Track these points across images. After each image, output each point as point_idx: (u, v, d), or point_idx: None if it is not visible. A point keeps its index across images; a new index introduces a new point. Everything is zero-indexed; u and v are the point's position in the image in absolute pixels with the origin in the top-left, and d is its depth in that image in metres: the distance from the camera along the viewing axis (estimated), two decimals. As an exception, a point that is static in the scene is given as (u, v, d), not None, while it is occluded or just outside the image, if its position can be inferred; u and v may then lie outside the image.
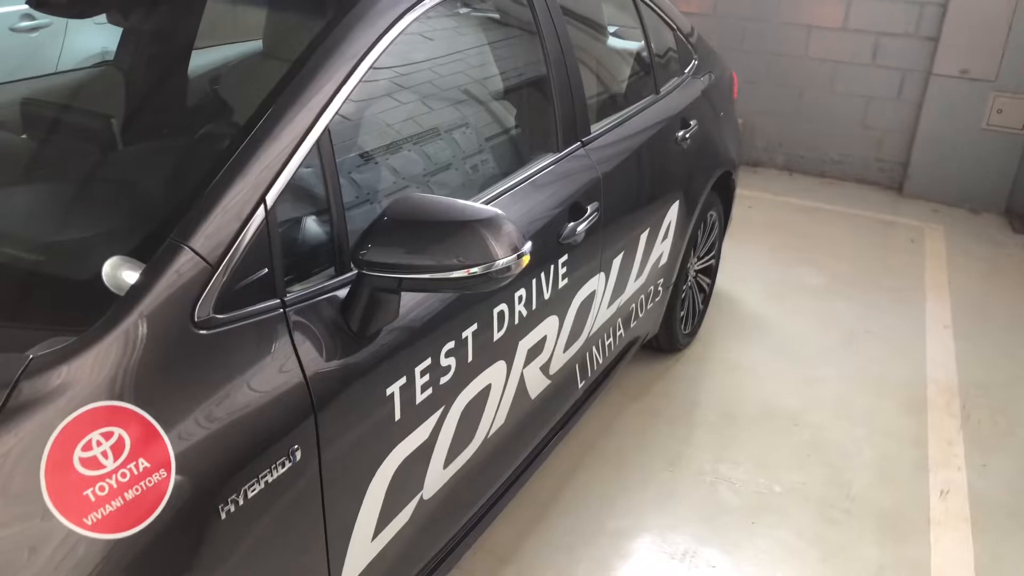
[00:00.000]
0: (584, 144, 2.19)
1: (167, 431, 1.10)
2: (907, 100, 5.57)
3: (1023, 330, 3.75)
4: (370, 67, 1.53)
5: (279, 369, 1.26)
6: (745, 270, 4.16)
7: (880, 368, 3.35)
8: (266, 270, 1.29)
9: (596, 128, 2.30)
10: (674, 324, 3.19)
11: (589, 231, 2.09)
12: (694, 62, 3.14)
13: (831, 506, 2.56)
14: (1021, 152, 5.29)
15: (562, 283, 2.01)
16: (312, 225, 1.44)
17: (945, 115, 5.38)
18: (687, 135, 2.79)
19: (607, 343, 2.51)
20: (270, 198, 1.30)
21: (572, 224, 2.01)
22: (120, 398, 1.07)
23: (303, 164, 1.37)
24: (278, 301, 1.30)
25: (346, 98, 1.47)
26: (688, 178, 2.86)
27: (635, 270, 2.52)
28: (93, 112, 1.80)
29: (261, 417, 1.21)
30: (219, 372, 1.19)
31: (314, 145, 1.39)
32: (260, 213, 1.28)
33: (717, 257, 3.56)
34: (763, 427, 2.94)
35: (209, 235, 1.22)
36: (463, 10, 2.03)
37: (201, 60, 2.08)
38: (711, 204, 3.21)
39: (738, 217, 4.15)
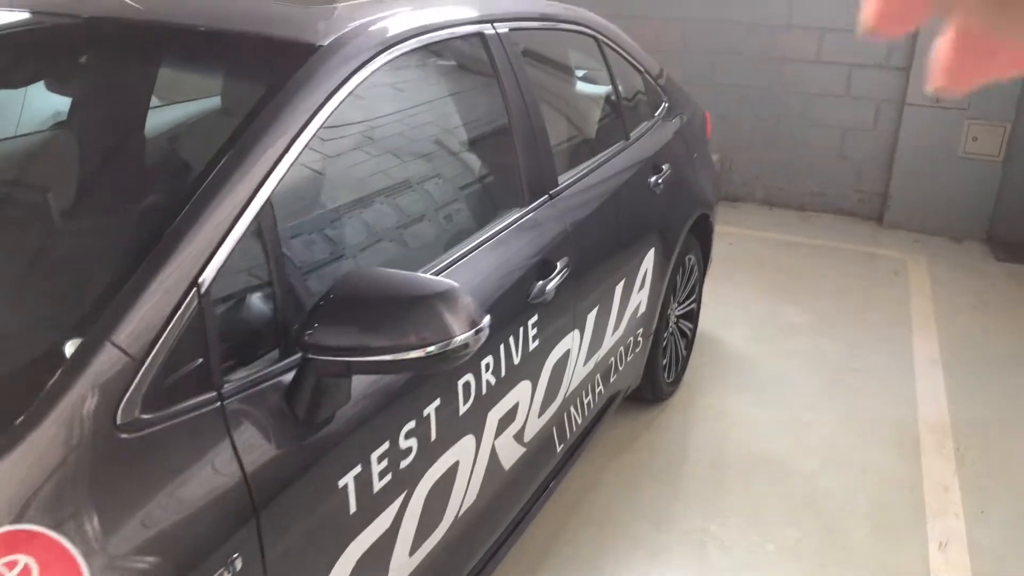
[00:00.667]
0: (552, 197, 2.11)
1: (85, 555, 0.98)
2: (883, 130, 5.56)
3: (1013, 363, 3.68)
4: (317, 131, 1.45)
5: (215, 470, 1.15)
6: (728, 311, 4.08)
7: (870, 408, 3.26)
8: (200, 360, 1.18)
9: (564, 179, 2.22)
10: (657, 373, 3.09)
11: (560, 287, 2.00)
12: (664, 104, 3.09)
13: (827, 564, 2.44)
14: (999, 179, 5.27)
15: (533, 345, 1.91)
16: (253, 305, 1.34)
17: (921, 144, 5.37)
18: (660, 180, 2.72)
19: (586, 401, 2.41)
20: (204, 280, 1.20)
21: (541, 282, 1.91)
22: (28, 520, 0.96)
23: (242, 239, 1.27)
24: (214, 393, 1.19)
25: (291, 164, 1.38)
26: (663, 223, 2.78)
27: (612, 323, 2.43)
28: (26, 184, 1.70)
29: (194, 527, 1.10)
30: (146, 481, 1.07)
31: (254, 219, 1.30)
32: (192, 298, 1.18)
33: (698, 301, 3.48)
34: (753, 477, 2.82)
35: (134, 327, 1.11)
36: (417, 64, 1.95)
37: (153, 123, 2.00)
38: (689, 248, 3.13)
39: (719, 255, 4.08)
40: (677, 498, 2.72)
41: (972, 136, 5.28)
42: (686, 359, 3.46)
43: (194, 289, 1.18)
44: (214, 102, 1.76)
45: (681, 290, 3.22)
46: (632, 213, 2.56)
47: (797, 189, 5.90)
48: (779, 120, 5.77)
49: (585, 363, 2.29)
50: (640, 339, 2.79)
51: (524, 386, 1.92)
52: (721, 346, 3.78)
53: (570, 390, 2.23)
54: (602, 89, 2.82)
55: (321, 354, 1.24)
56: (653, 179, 2.69)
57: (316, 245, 1.60)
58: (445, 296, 1.27)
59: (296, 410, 1.28)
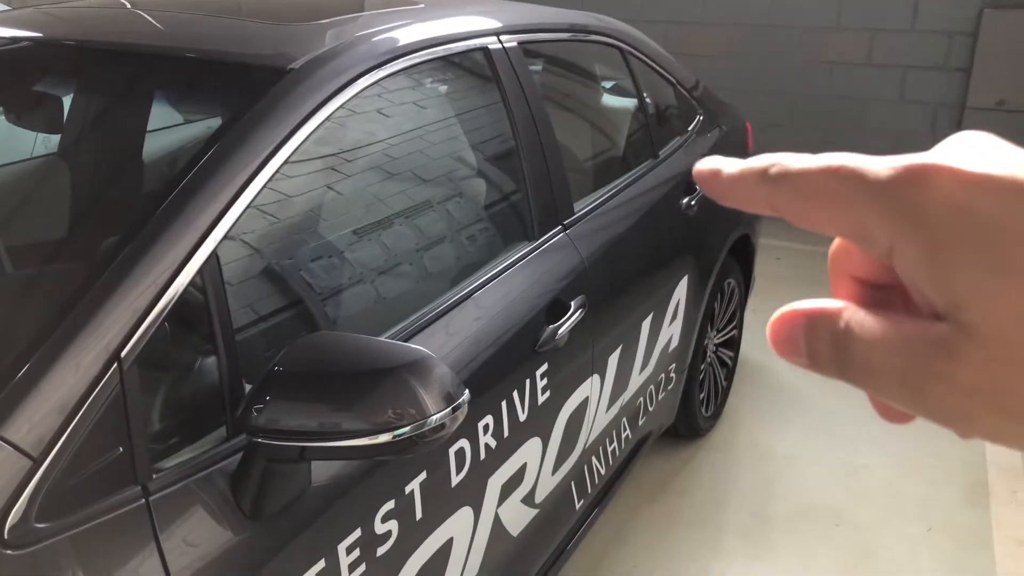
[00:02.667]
0: (566, 228, 1.89)
1: None
2: (942, 136, 5.15)
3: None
4: (280, 167, 1.26)
5: (133, 584, 0.96)
6: (774, 334, 3.79)
7: (931, 449, 2.96)
8: (120, 450, 0.99)
9: (581, 205, 1.99)
10: (693, 409, 2.84)
11: (576, 329, 1.77)
12: (699, 118, 2.84)
13: (886, 632, 2.17)
14: (1070, 186, 4.88)
15: (543, 397, 1.69)
16: (192, 377, 1.15)
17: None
18: (693, 201, 2.48)
19: (610, 449, 2.18)
20: (127, 352, 1.01)
21: (551, 327, 1.69)
22: None
23: (178, 300, 1.08)
24: (138, 488, 1.00)
25: (246, 207, 1.19)
26: (698, 248, 2.54)
27: (639, 362, 2.20)
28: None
29: (98, 661, 0.91)
30: (36, 607, 0.88)
31: (196, 274, 1.11)
32: (113, 375, 0.99)
33: (739, 327, 3.22)
34: (801, 529, 2.56)
35: (34, 416, 0.93)
36: (408, 86, 1.75)
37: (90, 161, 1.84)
38: (728, 271, 2.88)
39: (765, 272, 3.80)
40: (716, 552, 2.47)
41: (1040, 140, 4.91)
42: (726, 391, 3.20)
43: (114, 365, 1.00)
44: (171, 137, 1.59)
45: (720, 317, 2.96)
46: (661, 238, 2.33)
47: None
48: (830, 127, 5.46)
49: (608, 409, 2.07)
50: (673, 375, 2.55)
51: (533, 444, 1.71)
52: (765, 375, 3.51)
53: (590, 440, 2.01)
54: (628, 103, 2.59)
55: (269, 437, 1.05)
56: (686, 200, 2.45)
57: (277, 294, 1.41)
58: (417, 367, 1.06)
59: (241, 503, 1.08)
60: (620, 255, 2.04)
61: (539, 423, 1.71)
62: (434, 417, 1.04)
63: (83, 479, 0.95)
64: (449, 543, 1.47)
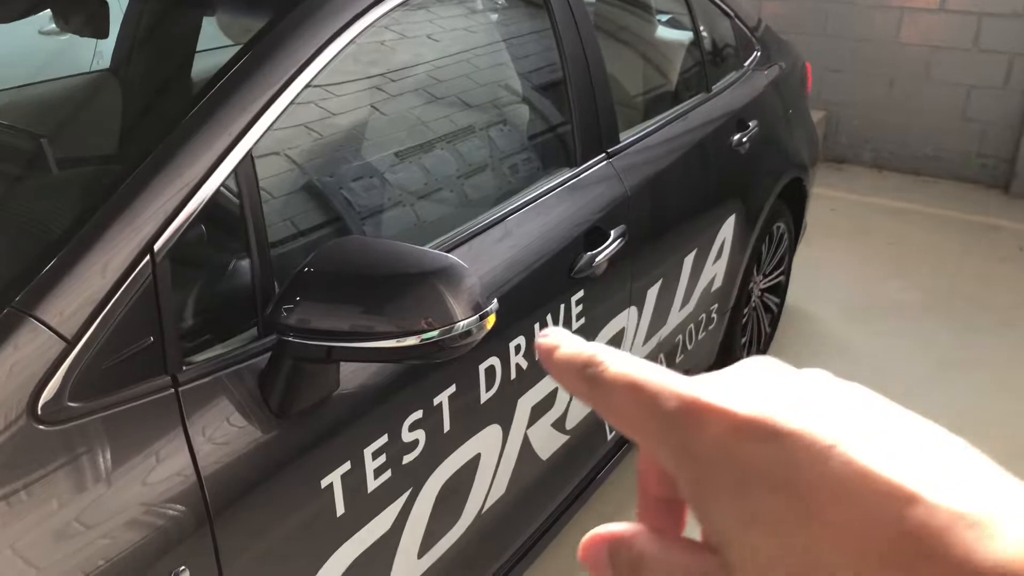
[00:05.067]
0: (610, 156, 1.85)
1: (-16, 569, 0.83)
2: (1015, 88, 4.96)
3: None
4: (321, 70, 1.25)
5: (161, 467, 0.99)
6: (823, 284, 3.71)
7: (988, 408, 2.87)
8: (151, 339, 1.01)
9: (627, 137, 1.95)
10: (734, 352, 2.80)
11: (615, 259, 1.75)
12: (756, 53, 2.75)
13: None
14: None
15: (577, 324, 1.68)
16: (225, 275, 1.16)
17: (1062, 102, 4.76)
18: (744, 138, 2.41)
19: (645, 384, 2.16)
20: (160, 244, 1.02)
21: (589, 254, 1.67)
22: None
23: (213, 198, 1.09)
24: (167, 379, 1.03)
25: (284, 109, 1.19)
26: (747, 188, 2.47)
27: (679, 299, 2.16)
28: (18, 130, 1.58)
29: (126, 536, 0.94)
30: (67, 482, 0.91)
31: (231, 173, 1.11)
32: (145, 267, 1.01)
33: (787, 273, 3.15)
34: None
35: (68, 300, 0.95)
36: (459, 9, 1.72)
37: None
38: (778, 215, 2.80)
39: (818, 221, 3.70)
40: (748, 493, 2.45)
41: (1123, 94, 4.65)
42: (770, 337, 3.15)
43: (147, 256, 1.01)
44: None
45: (767, 261, 2.90)
46: (709, 175, 2.27)
47: (911, 152, 5.36)
48: (895, 76, 5.24)
49: (645, 342, 2.05)
50: (715, 316, 2.51)
51: (566, 370, 1.70)
52: (811, 323, 3.44)
53: (625, 373, 1.99)
54: (683, 35, 2.51)
55: (297, 336, 1.06)
56: (736, 137, 2.38)
57: (316, 206, 1.41)
58: (446, 274, 1.06)
59: (269, 400, 1.10)
60: (665, 188, 2.00)
61: (572, 349, 1.70)
62: (461, 323, 1.04)
63: (115, 364, 0.98)
64: (476, 459, 1.48)
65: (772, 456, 0.24)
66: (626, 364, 0.28)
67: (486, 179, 1.74)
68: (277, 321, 1.07)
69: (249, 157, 1.14)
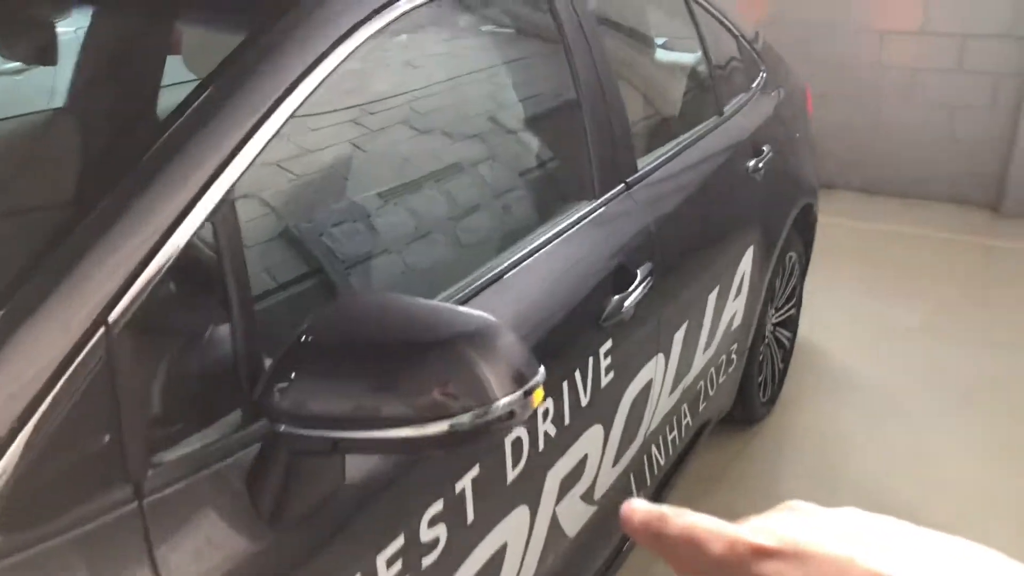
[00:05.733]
0: (629, 187, 1.66)
1: None
2: (1003, 107, 4.89)
3: None
4: (307, 96, 1.04)
5: (120, 610, 0.75)
6: (828, 313, 3.54)
7: (1012, 439, 2.70)
8: (106, 437, 0.78)
9: (644, 163, 1.76)
10: (751, 393, 2.60)
11: (641, 302, 1.54)
12: (762, 74, 2.59)
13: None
14: None
15: (607, 378, 1.47)
16: (201, 347, 0.94)
17: (1050, 119, 4.69)
18: (760, 164, 2.24)
19: (671, 438, 1.95)
20: (116, 315, 0.80)
21: (617, 298, 1.47)
22: None
23: (183, 253, 0.87)
24: (129, 488, 0.79)
25: (267, 143, 0.97)
26: (764, 217, 2.30)
27: (703, 341, 1.97)
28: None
29: None
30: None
31: (205, 222, 0.89)
32: (96, 344, 0.78)
33: (798, 306, 2.97)
34: (873, 526, 2.32)
35: (-7, 392, 0.72)
36: (456, 22, 1.52)
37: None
38: (790, 244, 2.63)
39: (814, 249, 3.56)
40: (779, 549, 2.24)
41: (1111, 110, 4.59)
42: (783, 373, 2.96)
43: (100, 330, 0.78)
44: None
45: (780, 294, 2.72)
46: (728, 205, 2.09)
47: (900, 175, 5.27)
48: (880, 99, 5.15)
49: (671, 392, 1.84)
50: (735, 356, 2.32)
51: (595, 432, 1.49)
52: (821, 356, 3.26)
53: (652, 428, 1.78)
54: (689, 56, 2.34)
55: (294, 424, 0.83)
56: (752, 163, 2.21)
57: (303, 255, 1.19)
58: (479, 337, 0.84)
59: (259, 505, 0.87)
60: (687, 220, 1.81)
61: (602, 408, 1.49)
62: (501, 402, 0.82)
63: (58, 478, 0.75)
64: (503, 549, 1.25)
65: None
66: (685, 518, 0.34)
67: (498, 215, 1.53)
68: (268, 405, 0.84)
69: (228, 200, 0.92)
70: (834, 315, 3.54)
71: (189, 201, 0.87)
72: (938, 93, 5.00)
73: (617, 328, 1.48)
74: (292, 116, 1.00)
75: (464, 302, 1.21)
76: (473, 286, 1.23)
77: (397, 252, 1.37)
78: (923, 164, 5.19)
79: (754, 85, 2.52)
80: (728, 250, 2.04)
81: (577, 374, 1.37)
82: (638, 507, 0.37)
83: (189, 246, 0.87)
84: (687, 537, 0.34)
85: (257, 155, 0.95)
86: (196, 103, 0.94)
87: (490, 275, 1.26)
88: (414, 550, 1.03)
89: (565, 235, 1.45)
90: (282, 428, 0.84)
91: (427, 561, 1.06)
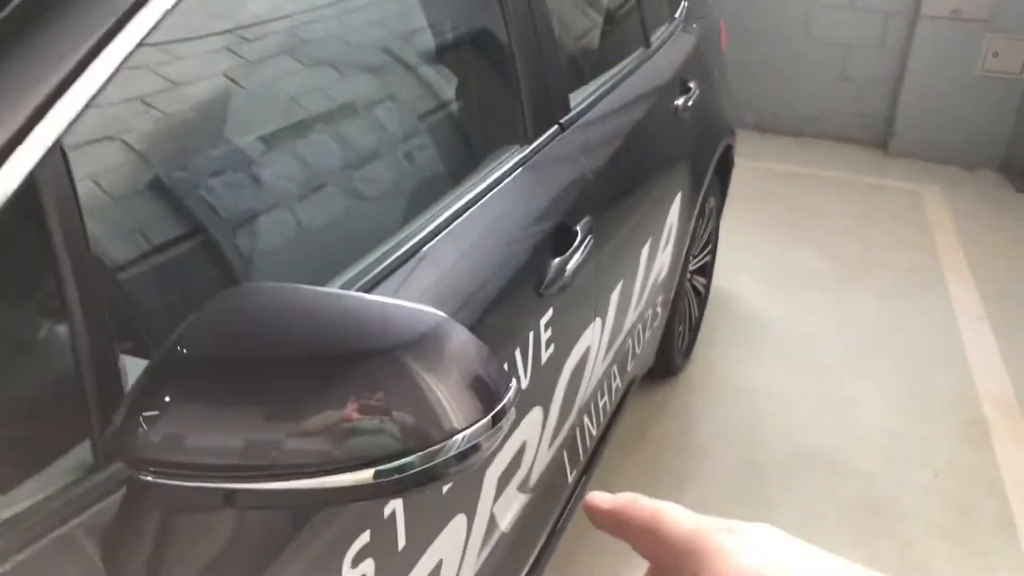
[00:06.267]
0: (563, 128, 1.44)
1: None
2: (891, 46, 4.93)
3: (1070, 316, 3.16)
4: (158, 21, 0.75)
5: None
6: (735, 257, 3.47)
7: (920, 381, 2.71)
8: None
9: (575, 102, 1.54)
10: (671, 346, 2.48)
11: (581, 263, 1.34)
12: (683, 3, 2.39)
13: (910, 601, 1.90)
14: (1020, 100, 4.71)
15: (546, 355, 1.27)
16: (32, 361, 0.67)
17: (935, 62, 4.76)
18: (688, 102, 2.06)
19: (601, 404, 1.79)
20: None
21: (559, 260, 1.26)
22: None
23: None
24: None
25: (107, 79, 0.69)
26: (692, 160, 2.13)
27: (635, 298, 1.79)
28: None
29: None
30: None
31: (26, 179, 0.62)
32: None
33: (713, 252, 2.86)
34: (797, 480, 2.26)
35: None
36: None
37: None
38: (711, 189, 2.49)
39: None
40: (704, 510, 2.13)
41: (992, 51, 4.69)
42: (698, 322, 2.86)
43: None
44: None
45: (699, 240, 2.59)
46: (658, 148, 1.90)
47: (793, 113, 5.28)
48: (775, 37, 5.10)
49: (605, 357, 1.67)
50: (659, 309, 2.17)
51: (534, 416, 1.29)
52: (733, 302, 3.19)
53: (585, 398, 1.61)
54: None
55: (169, 472, 0.59)
56: (681, 101, 2.02)
57: (180, 213, 0.92)
58: (427, 345, 0.61)
59: (120, 582, 0.62)
60: (621, 166, 1.61)
61: (541, 389, 1.29)
62: (461, 435, 0.60)
63: None
64: (437, 568, 1.04)
65: None
66: (648, 505, 0.38)
67: (412, 167, 1.28)
68: (130, 446, 0.59)
69: (57, 149, 0.64)
70: (740, 258, 3.48)
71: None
72: (831, 31, 4.99)
73: (557, 295, 1.27)
74: (142, 44, 0.72)
75: (379, 280, 0.97)
76: (390, 258, 0.99)
77: (288, 208, 1.11)
78: (815, 103, 5.20)
79: (677, 14, 2.32)
80: (660, 198, 1.86)
81: (517, 354, 1.16)
82: (602, 497, 0.39)
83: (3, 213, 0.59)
84: (652, 519, 0.37)
85: (97, 92, 0.67)
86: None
87: (408, 244, 1.02)
88: (336, 598, 0.81)
89: (495, 189, 1.22)
90: (152, 476, 0.60)
91: (352, 606, 0.84)
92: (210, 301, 0.63)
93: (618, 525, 0.39)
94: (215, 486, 0.59)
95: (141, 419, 0.60)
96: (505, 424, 0.62)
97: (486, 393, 0.61)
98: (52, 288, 0.65)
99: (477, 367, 0.62)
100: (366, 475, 0.59)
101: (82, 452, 0.66)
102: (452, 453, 0.60)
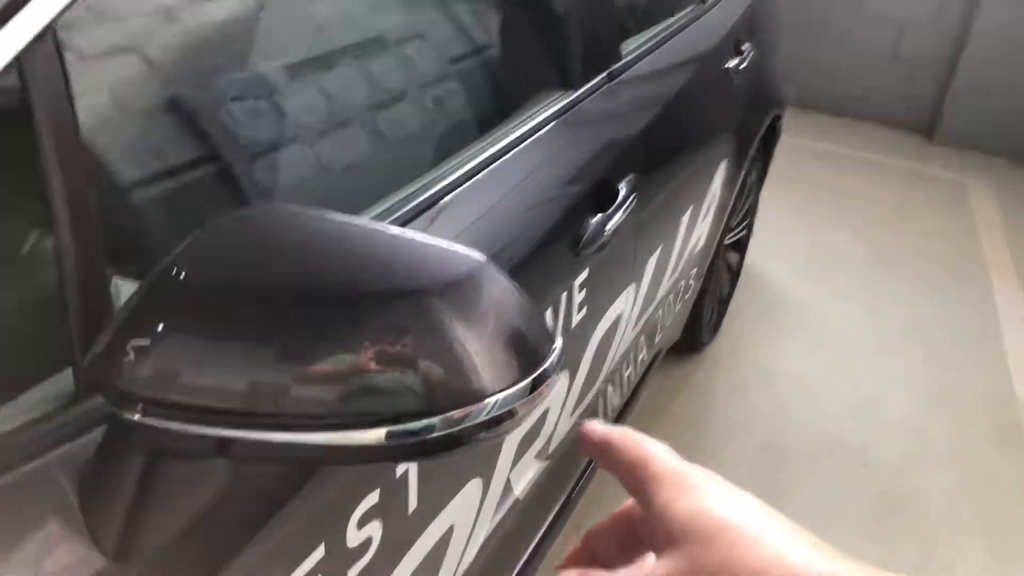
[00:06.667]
0: (612, 77, 1.34)
1: None
2: (948, 26, 4.71)
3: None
4: None
5: None
6: (767, 236, 3.34)
7: (955, 378, 2.60)
8: None
9: (626, 52, 1.43)
10: (699, 320, 2.39)
11: (621, 224, 1.25)
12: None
13: (930, 603, 1.83)
14: (1084, 92, 4.50)
15: (577, 318, 1.19)
16: (11, 275, 0.59)
17: (995, 45, 4.54)
18: (741, 64, 1.94)
19: (626, 375, 1.71)
20: None
21: (599, 218, 1.17)
22: None
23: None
24: None
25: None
26: (739, 127, 2.02)
27: (671, 266, 1.70)
28: None
29: None
30: None
31: (10, 67, 0.54)
32: None
33: (750, 228, 2.75)
34: (818, 470, 2.18)
35: None
36: None
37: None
38: (755, 159, 2.37)
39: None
40: (723, 492, 2.06)
41: (1058, 39, 4.48)
42: (728, 299, 2.76)
43: None
44: None
45: (737, 212, 2.48)
46: (708, 110, 1.79)
47: (837, 90, 5.09)
48: (825, 8, 4.91)
49: (635, 326, 1.58)
50: (692, 281, 2.08)
51: (559, 382, 1.21)
52: (765, 283, 3.09)
53: (612, 367, 1.53)
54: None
55: (158, 412, 0.51)
56: (734, 63, 1.90)
57: (195, 133, 0.85)
58: (463, 289, 0.52)
59: (97, 531, 0.55)
60: (670, 125, 1.50)
61: (569, 353, 1.21)
62: (494, 398, 0.51)
63: None
64: (448, 533, 0.97)
65: (724, 544, 0.34)
66: (638, 441, 0.40)
67: (447, 108, 1.18)
68: (115, 378, 0.52)
69: (50, 37, 0.56)
70: (776, 238, 3.36)
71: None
72: (885, 4, 4.79)
73: (594, 256, 1.18)
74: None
75: (407, 222, 0.88)
76: (414, 203, 0.90)
77: (308, 143, 1.03)
78: (860, 82, 5.02)
79: (734, -30, 2.18)
80: (705, 163, 1.75)
81: (548, 315, 1.07)
82: (596, 426, 0.41)
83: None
84: (641, 455, 0.39)
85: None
86: None
87: (434, 189, 0.94)
88: (335, 561, 0.74)
89: (535, 136, 1.12)
90: (138, 417, 0.52)
91: (353, 572, 0.77)
92: (218, 218, 0.55)
93: (607, 457, 0.40)
94: (208, 432, 0.51)
95: (129, 348, 0.52)
96: (547, 390, 0.54)
97: (526, 352, 0.53)
98: (40, 190, 0.58)
99: (518, 321, 0.54)
100: (378, 434, 0.51)
101: (63, 379, 0.59)
102: (481, 419, 0.51)
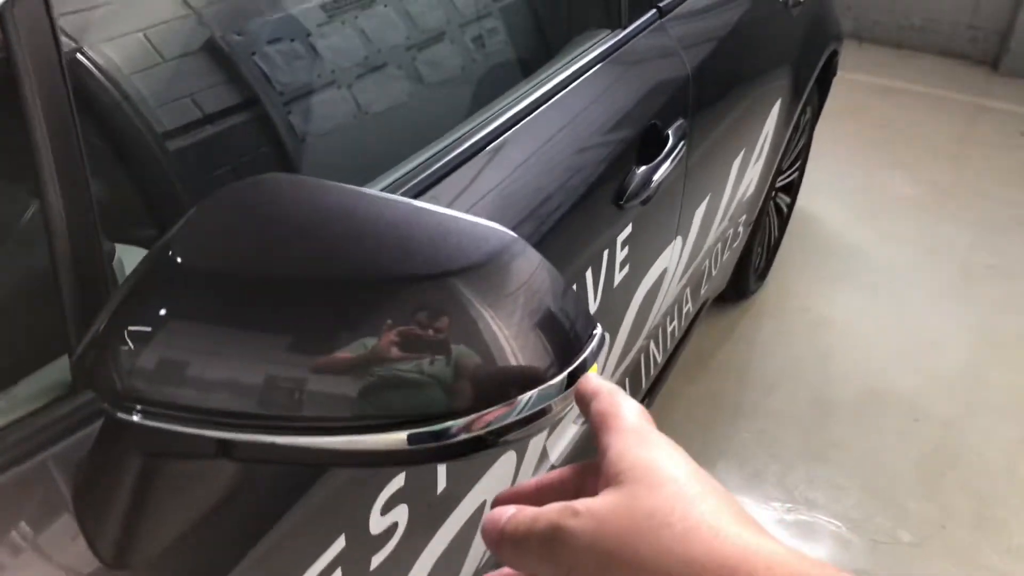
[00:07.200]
0: (662, 14, 1.23)
1: None
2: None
3: None
4: None
5: None
6: (821, 178, 3.20)
7: (1014, 326, 2.48)
8: None
9: (676, -16, 1.32)
10: (746, 267, 2.30)
11: (668, 175, 1.16)
12: None
13: (987, 568, 1.76)
14: None
15: (620, 276, 1.11)
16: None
17: (1070, -30, 4.25)
18: (799, -3, 1.80)
19: (670, 330, 1.64)
20: None
21: (645, 169, 1.08)
22: None
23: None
24: None
25: None
26: (795, 64, 1.88)
27: (719, 216, 1.61)
28: None
29: None
30: None
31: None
32: None
33: (802, 169, 2.62)
34: (868, 422, 2.10)
35: None
36: None
37: None
38: (810, 97, 2.24)
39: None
40: (769, 449, 2.01)
41: None
42: (777, 244, 2.65)
43: None
44: None
45: (789, 154, 2.35)
46: (762, 48, 1.67)
47: (896, 21, 4.82)
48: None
49: (680, 279, 1.50)
50: (741, 229, 1.98)
51: (600, 343, 1.14)
52: (816, 226, 2.96)
53: (656, 321, 1.45)
54: None
55: (157, 412, 0.46)
56: (791, -6, 1.77)
57: (233, 79, 0.78)
58: (490, 270, 0.45)
59: (94, 537, 0.51)
60: (724, 64, 1.39)
61: (610, 313, 1.14)
62: (528, 395, 0.45)
63: None
64: (480, 509, 0.93)
65: (667, 493, 0.36)
66: (615, 397, 0.43)
67: (486, 49, 1.10)
68: (108, 374, 0.46)
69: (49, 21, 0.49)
70: (828, 178, 3.21)
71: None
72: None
73: (638, 209, 1.10)
74: None
75: (437, 178, 0.81)
76: (453, 154, 0.83)
77: (345, 87, 0.96)
78: (922, 11, 4.74)
79: None
80: (759, 104, 1.64)
81: (588, 275, 1.00)
82: (593, 379, 0.45)
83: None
84: (614, 406, 0.42)
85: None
86: None
87: (473, 139, 0.86)
88: (358, 551, 0.69)
89: (578, 80, 1.03)
90: (135, 416, 0.47)
91: (377, 560, 0.73)
92: (223, 189, 0.48)
93: (588, 406, 0.43)
94: (214, 435, 0.46)
95: (127, 337, 0.47)
96: (584, 380, 0.47)
97: (563, 341, 0.46)
98: (31, 153, 0.52)
99: (555, 306, 0.47)
100: (399, 437, 0.45)
101: (59, 368, 0.54)
102: (512, 418, 0.45)
